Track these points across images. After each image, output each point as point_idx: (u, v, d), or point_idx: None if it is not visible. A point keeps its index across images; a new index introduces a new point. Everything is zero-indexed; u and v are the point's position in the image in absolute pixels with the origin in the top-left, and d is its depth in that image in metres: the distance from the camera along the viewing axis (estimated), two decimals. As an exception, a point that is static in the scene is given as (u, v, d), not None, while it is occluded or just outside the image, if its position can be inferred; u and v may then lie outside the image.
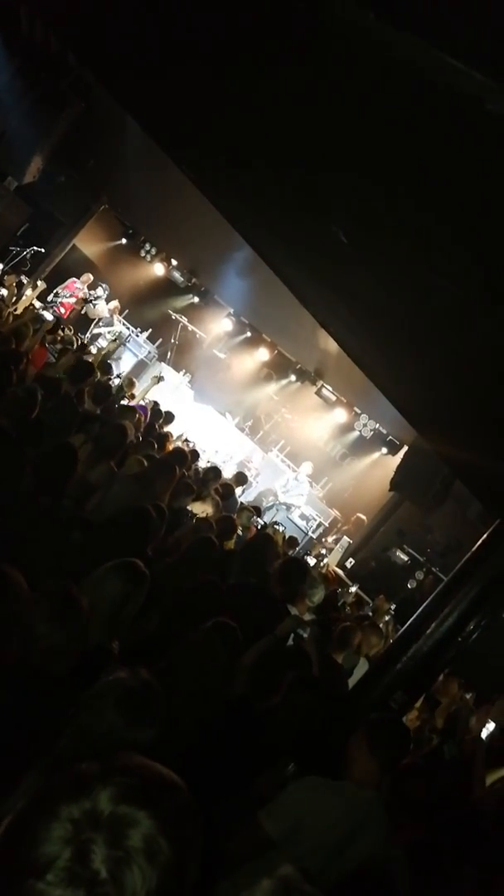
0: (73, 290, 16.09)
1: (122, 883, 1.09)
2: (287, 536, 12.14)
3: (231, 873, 2.90)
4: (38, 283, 13.93)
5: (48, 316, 13.38)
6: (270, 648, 4.88)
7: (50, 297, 15.50)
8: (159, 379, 13.53)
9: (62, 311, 15.40)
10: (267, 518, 13.92)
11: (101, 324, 16.80)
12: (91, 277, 16.77)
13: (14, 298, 12.96)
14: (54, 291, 15.82)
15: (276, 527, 13.11)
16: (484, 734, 6.79)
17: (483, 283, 2.91)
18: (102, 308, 16.79)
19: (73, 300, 15.92)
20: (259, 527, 10.72)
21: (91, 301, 16.58)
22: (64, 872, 1.07)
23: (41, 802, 1.14)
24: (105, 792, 1.14)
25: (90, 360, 10.29)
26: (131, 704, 2.51)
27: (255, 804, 3.36)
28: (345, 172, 3.04)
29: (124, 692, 2.55)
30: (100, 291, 16.84)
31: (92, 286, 17.04)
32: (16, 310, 11.99)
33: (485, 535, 5.83)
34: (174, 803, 1.20)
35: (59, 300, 15.52)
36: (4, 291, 13.12)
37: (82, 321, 16.84)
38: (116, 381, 12.79)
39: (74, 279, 16.66)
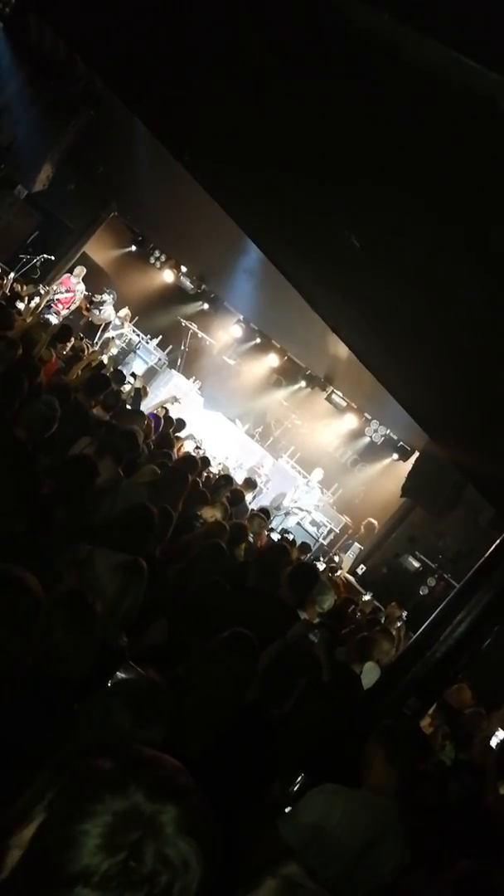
0: (69, 285, 16.00)
1: (177, 871, 1.07)
2: (299, 543, 12.11)
3: (249, 882, 2.87)
4: (42, 290, 14.00)
5: (53, 319, 13.42)
6: (281, 653, 4.85)
7: (42, 294, 15.38)
8: (175, 400, 13.54)
9: (59, 307, 15.32)
10: (275, 523, 13.90)
11: (110, 329, 16.79)
12: (84, 270, 16.66)
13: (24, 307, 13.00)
14: (47, 290, 15.73)
15: (286, 535, 13.10)
16: (494, 742, 6.74)
17: (497, 287, 2.89)
18: (109, 312, 16.77)
19: (68, 294, 15.82)
20: (269, 533, 10.71)
21: (97, 306, 16.56)
22: (115, 877, 1.03)
23: (70, 804, 1.11)
24: (140, 788, 1.11)
25: (107, 375, 10.28)
26: (140, 705, 2.51)
27: (269, 812, 3.34)
28: (357, 177, 3.03)
29: (133, 692, 2.55)
30: (105, 296, 16.81)
31: (97, 291, 17.01)
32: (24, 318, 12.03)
33: (498, 541, 5.80)
34: (197, 793, 1.19)
35: (56, 297, 15.45)
36: (21, 305, 13.15)
37: (89, 327, 16.83)
38: (127, 388, 12.79)
39: (68, 274, 16.58)
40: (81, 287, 16.19)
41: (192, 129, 4.84)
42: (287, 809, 3.41)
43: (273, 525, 13.64)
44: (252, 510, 11.04)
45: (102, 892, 1.03)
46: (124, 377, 12.89)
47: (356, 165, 2.92)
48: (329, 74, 2.41)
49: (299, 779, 3.70)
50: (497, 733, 6.97)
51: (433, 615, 5.70)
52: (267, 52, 2.82)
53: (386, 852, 3.30)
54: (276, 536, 12.18)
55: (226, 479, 10.53)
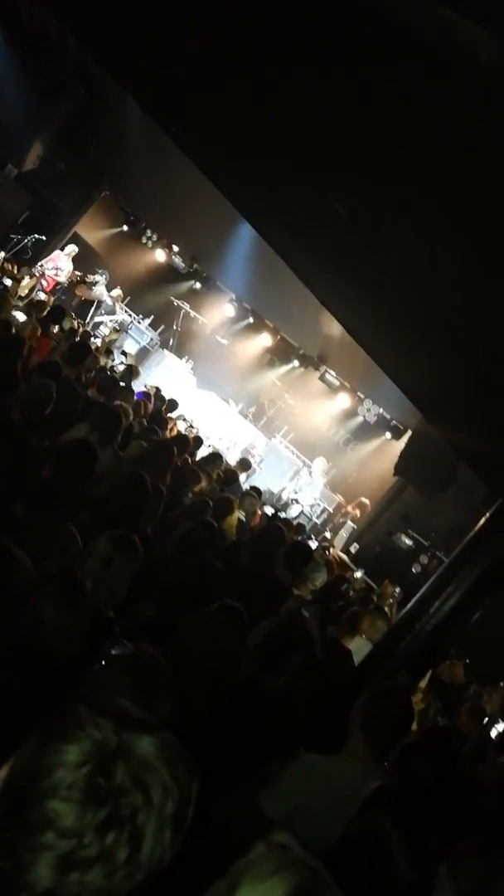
0: (57, 262, 15.87)
1: (149, 793, 1.14)
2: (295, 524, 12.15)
3: (238, 856, 2.90)
4: (34, 270, 13.94)
5: (42, 296, 13.35)
6: (275, 629, 4.88)
7: (31, 271, 15.27)
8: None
9: (44, 283, 15.20)
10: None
11: (101, 310, 16.72)
12: (76, 249, 16.55)
13: (16, 286, 12.97)
14: (38, 263, 15.62)
15: (280, 513, 13.14)
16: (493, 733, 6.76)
17: (482, 259, 2.89)
18: (101, 291, 16.66)
19: (54, 272, 15.68)
20: (262, 512, 10.73)
21: (89, 283, 16.44)
22: (84, 791, 1.10)
23: (48, 734, 1.18)
24: (114, 720, 1.20)
25: (88, 344, 10.27)
26: (148, 682, 2.53)
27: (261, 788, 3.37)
28: (344, 147, 3.02)
29: (140, 670, 2.56)
30: (98, 277, 16.71)
31: (89, 271, 16.90)
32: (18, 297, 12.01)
33: (488, 514, 5.82)
34: (167, 732, 1.26)
35: (43, 270, 15.32)
36: (8, 282, 13.11)
37: (82, 307, 16.75)
38: (121, 367, 12.78)
39: (59, 251, 16.45)
40: (69, 267, 16.07)
41: (180, 97, 4.81)
42: None
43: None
44: (245, 490, 11.06)
45: (69, 804, 1.09)
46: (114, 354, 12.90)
47: (340, 136, 2.92)
48: (307, 40, 2.40)
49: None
50: (497, 725, 6.99)
51: (422, 589, 5.73)
52: (249, 28, 2.81)
53: None
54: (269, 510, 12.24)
55: (215, 455, 10.58)
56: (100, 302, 16.65)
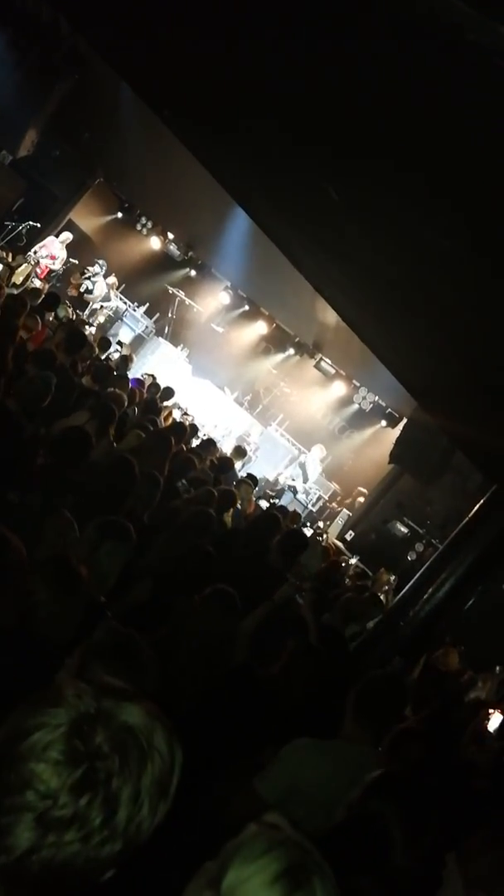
0: (51, 250, 15.75)
1: (126, 759, 1.16)
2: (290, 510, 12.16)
3: (231, 836, 2.91)
4: (28, 256, 13.88)
5: (37, 283, 13.29)
6: (269, 615, 4.89)
7: (25, 258, 15.20)
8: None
9: (38, 271, 15.12)
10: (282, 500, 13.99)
11: (98, 300, 16.64)
12: (70, 236, 16.46)
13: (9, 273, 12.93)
14: (32, 250, 15.53)
15: (274, 501, 13.16)
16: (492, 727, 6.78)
17: (476, 243, 2.88)
18: (101, 286, 16.58)
19: (49, 260, 15.58)
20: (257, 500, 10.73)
21: (90, 278, 16.34)
22: (61, 752, 1.12)
23: (28, 705, 1.20)
24: (100, 692, 1.22)
25: (83, 332, 10.26)
26: (128, 661, 2.53)
27: (256, 772, 3.38)
28: (332, 126, 3.00)
29: (118, 649, 2.57)
30: (97, 268, 16.62)
31: (84, 259, 16.78)
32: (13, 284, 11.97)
33: (482, 501, 5.83)
34: (150, 702, 1.29)
35: (38, 258, 15.23)
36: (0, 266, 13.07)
37: (79, 299, 16.68)
38: (116, 356, 12.76)
39: (53, 237, 16.34)
40: (63, 254, 15.99)
41: (173, 80, 4.78)
42: None
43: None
44: (240, 477, 11.07)
45: (46, 764, 1.11)
46: (109, 344, 12.87)
47: (329, 114, 2.90)
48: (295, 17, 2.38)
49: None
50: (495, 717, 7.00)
51: (417, 575, 5.75)
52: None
53: None
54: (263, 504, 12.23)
55: (209, 442, 10.59)
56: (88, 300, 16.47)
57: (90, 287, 16.30)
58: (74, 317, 13.75)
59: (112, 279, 17.20)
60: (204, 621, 3.75)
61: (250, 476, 11.15)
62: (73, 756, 1.12)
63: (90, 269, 16.49)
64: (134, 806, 1.16)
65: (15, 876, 1.11)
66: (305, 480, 15.64)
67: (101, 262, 16.88)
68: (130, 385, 10.03)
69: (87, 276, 16.37)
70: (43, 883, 1.13)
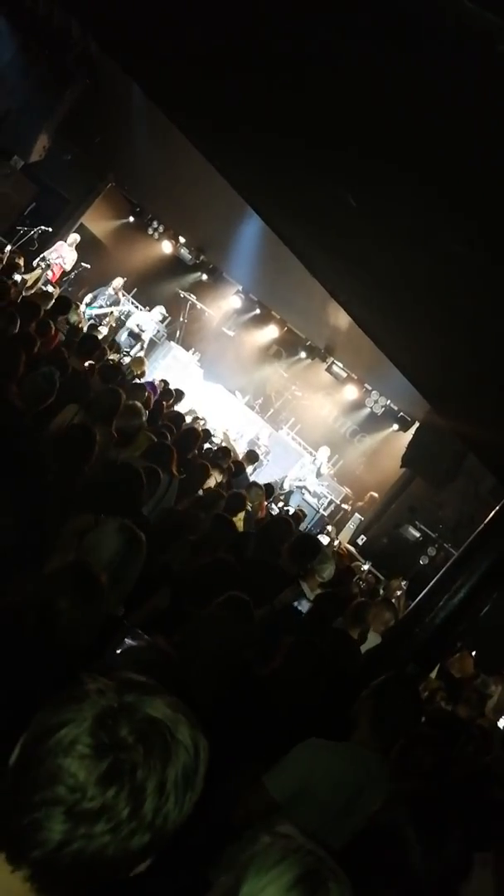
0: (61, 252, 15.79)
1: (151, 750, 1.18)
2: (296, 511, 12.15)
3: (238, 838, 2.89)
4: (43, 264, 13.93)
5: (49, 288, 13.35)
6: (267, 618, 4.89)
7: (36, 262, 15.23)
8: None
9: (49, 275, 15.16)
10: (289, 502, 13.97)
11: (108, 303, 16.64)
12: (78, 237, 16.44)
13: (22, 279, 12.96)
14: (41, 256, 15.56)
15: (286, 508, 13.14)
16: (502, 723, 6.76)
17: (489, 245, 2.86)
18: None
19: (59, 261, 15.60)
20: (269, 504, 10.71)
21: (118, 306, 16.36)
22: (88, 745, 1.15)
23: (52, 704, 1.23)
24: (123, 687, 1.25)
25: (94, 334, 10.27)
26: (153, 669, 2.51)
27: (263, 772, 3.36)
28: (352, 135, 2.98)
29: (144, 665, 2.54)
30: (110, 290, 16.65)
31: (93, 261, 16.76)
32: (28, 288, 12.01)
33: (497, 507, 5.79)
34: (173, 696, 1.31)
35: (49, 262, 15.28)
36: (18, 277, 13.07)
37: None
38: (127, 360, 12.77)
39: (62, 241, 16.36)
40: (73, 256, 16.02)
41: (186, 84, 4.77)
42: None
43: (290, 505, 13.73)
44: (252, 481, 11.05)
45: (73, 758, 1.15)
46: (120, 346, 12.87)
47: (350, 124, 2.88)
48: (319, 26, 2.36)
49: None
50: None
51: (432, 582, 5.71)
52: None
53: (373, 802, 3.33)
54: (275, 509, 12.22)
55: (224, 451, 10.55)
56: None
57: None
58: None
59: (120, 281, 17.12)
60: (218, 630, 3.73)
61: (267, 485, 11.15)
62: (99, 749, 1.15)
63: (120, 294, 16.53)
64: (160, 797, 1.18)
65: (48, 870, 1.14)
66: (318, 476, 15.61)
67: (117, 283, 16.85)
68: (147, 389, 10.00)
69: (117, 304, 16.38)
70: (75, 877, 1.16)
